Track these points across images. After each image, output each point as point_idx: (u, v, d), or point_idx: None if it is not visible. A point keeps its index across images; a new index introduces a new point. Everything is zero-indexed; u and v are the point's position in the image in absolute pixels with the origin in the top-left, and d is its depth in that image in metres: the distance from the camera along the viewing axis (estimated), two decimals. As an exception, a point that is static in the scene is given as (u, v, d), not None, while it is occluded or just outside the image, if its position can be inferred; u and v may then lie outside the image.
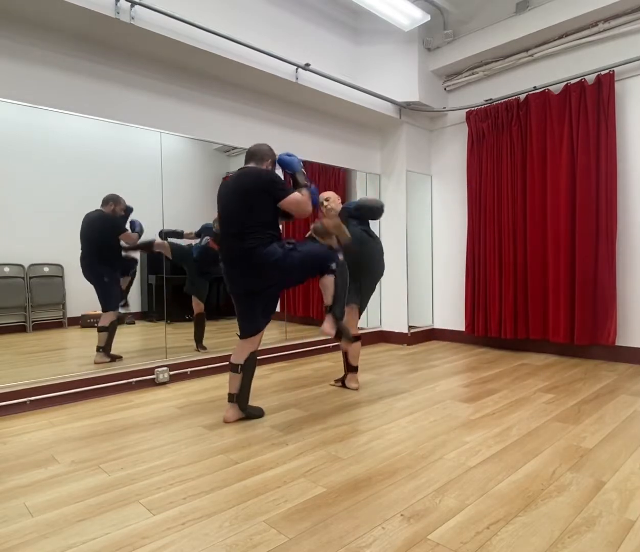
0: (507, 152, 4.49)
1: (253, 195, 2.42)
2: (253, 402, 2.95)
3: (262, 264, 2.39)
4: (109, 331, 3.62)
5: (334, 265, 2.52)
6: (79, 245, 4.00)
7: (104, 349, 3.54)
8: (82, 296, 4.07)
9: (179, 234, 4.17)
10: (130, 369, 3.28)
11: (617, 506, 1.62)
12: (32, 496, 1.76)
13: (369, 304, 3.43)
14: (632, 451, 2.08)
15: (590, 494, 1.70)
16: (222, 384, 3.42)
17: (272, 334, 4.57)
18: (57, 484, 1.85)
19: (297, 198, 2.47)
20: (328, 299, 2.55)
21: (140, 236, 3.83)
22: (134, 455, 2.12)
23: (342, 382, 3.30)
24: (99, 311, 4.17)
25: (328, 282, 2.53)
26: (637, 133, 3.86)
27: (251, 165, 2.56)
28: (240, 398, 2.57)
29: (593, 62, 4.00)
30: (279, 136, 4.27)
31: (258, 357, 4.05)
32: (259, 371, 3.87)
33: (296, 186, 2.53)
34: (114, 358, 3.51)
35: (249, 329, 2.57)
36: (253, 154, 2.58)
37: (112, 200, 3.70)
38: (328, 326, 2.53)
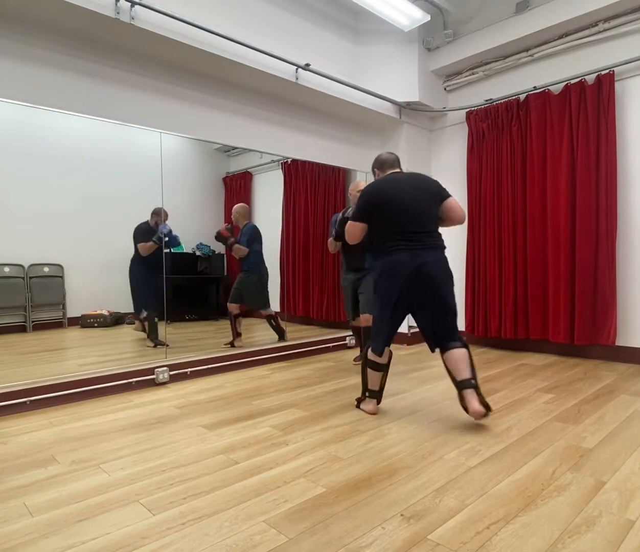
0: (507, 152, 4.49)
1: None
2: (253, 401, 2.96)
3: None
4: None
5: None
6: (80, 246, 4.01)
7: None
8: (82, 296, 4.07)
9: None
10: (130, 369, 3.28)
11: (617, 506, 1.61)
12: (32, 496, 1.76)
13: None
14: (632, 451, 2.08)
15: (590, 494, 1.70)
16: (222, 384, 3.42)
17: (272, 334, 4.57)
18: (57, 484, 1.85)
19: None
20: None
21: (158, 243, 3.95)
22: (134, 455, 2.12)
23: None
24: (99, 311, 4.18)
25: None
26: (637, 133, 3.86)
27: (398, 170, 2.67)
28: (381, 393, 2.69)
29: (593, 62, 4.00)
30: (279, 136, 4.27)
31: (258, 357, 4.08)
32: (259, 371, 3.87)
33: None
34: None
35: None
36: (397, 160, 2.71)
37: (153, 213, 3.92)
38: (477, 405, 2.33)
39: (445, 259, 2.48)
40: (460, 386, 2.37)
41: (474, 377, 2.37)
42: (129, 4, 2.90)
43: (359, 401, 2.77)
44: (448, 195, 2.56)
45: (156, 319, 4.05)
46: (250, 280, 4.38)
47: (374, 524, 1.53)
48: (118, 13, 2.87)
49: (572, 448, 2.13)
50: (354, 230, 2.62)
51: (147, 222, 3.93)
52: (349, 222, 2.64)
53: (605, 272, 3.90)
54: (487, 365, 3.95)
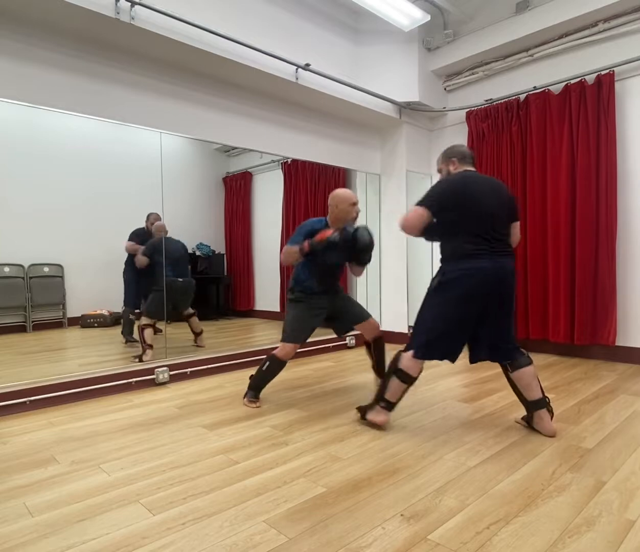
0: (507, 152, 4.49)
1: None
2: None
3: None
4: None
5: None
6: (80, 246, 4.03)
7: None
8: (82, 296, 4.08)
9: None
10: (130, 369, 3.28)
11: (617, 506, 1.62)
12: (32, 496, 1.76)
13: (369, 304, 3.40)
14: (632, 451, 2.08)
15: (590, 494, 1.70)
16: (221, 384, 3.42)
17: (272, 334, 4.57)
18: (57, 484, 1.85)
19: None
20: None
21: (140, 245, 4.00)
22: (134, 455, 2.12)
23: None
24: (99, 311, 4.19)
25: None
26: (637, 133, 3.86)
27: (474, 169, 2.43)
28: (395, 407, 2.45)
29: (593, 62, 4.00)
30: (279, 136, 4.27)
31: (258, 357, 4.07)
32: (259, 371, 3.86)
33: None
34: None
35: None
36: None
37: (147, 217, 4.05)
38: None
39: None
40: (535, 406, 2.30)
41: (544, 393, 2.31)
42: (129, 4, 2.90)
43: (366, 410, 2.48)
44: (518, 218, 2.42)
45: (131, 317, 4.11)
46: None
47: (374, 524, 1.53)
48: (118, 13, 2.87)
49: (572, 448, 2.13)
50: (419, 219, 2.24)
51: (143, 228, 3.99)
52: (414, 207, 2.27)
53: (605, 272, 3.90)
54: (487, 365, 3.94)
